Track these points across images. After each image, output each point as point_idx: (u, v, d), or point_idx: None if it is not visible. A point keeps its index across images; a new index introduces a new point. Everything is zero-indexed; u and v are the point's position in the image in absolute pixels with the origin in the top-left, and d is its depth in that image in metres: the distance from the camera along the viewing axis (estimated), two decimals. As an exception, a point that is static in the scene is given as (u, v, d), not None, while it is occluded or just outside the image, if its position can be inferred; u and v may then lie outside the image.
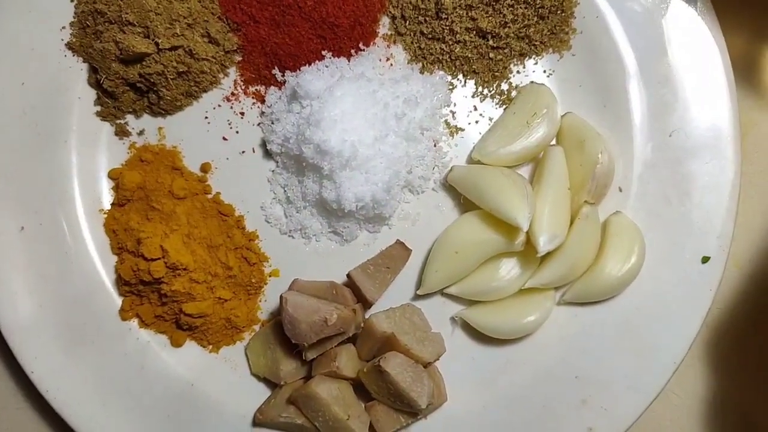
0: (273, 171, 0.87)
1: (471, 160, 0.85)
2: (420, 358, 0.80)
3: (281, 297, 0.79)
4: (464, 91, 0.87)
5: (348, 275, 0.83)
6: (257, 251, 0.86)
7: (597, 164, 0.80)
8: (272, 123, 0.86)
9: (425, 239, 0.86)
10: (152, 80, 0.82)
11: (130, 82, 0.83)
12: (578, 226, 0.80)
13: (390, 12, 0.87)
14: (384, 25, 0.88)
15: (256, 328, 0.87)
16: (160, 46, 0.80)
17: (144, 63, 0.81)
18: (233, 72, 0.88)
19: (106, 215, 0.87)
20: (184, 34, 0.82)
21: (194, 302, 0.82)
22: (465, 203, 0.85)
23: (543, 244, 0.77)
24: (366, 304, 0.83)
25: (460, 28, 0.83)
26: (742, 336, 0.89)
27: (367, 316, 0.83)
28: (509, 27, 0.83)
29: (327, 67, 0.85)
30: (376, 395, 0.80)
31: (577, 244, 0.80)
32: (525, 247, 0.80)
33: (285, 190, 0.86)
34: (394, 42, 0.87)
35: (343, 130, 0.79)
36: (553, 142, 0.85)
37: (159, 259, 0.80)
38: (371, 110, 0.82)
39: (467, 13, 0.83)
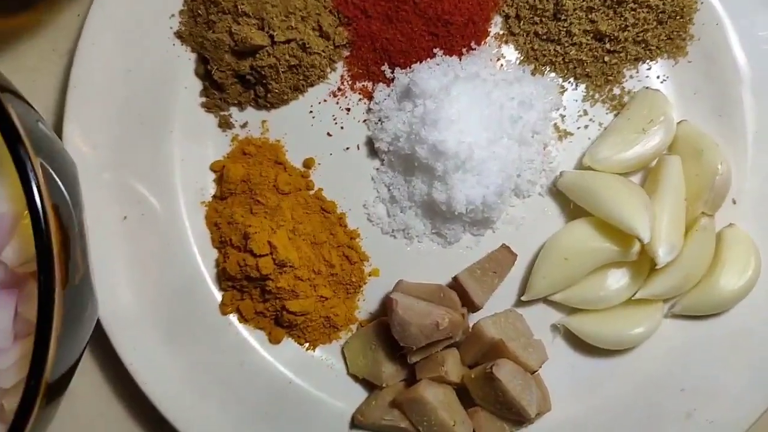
0: (377, 169, 0.86)
1: (581, 166, 0.84)
2: (527, 365, 0.79)
3: (390, 298, 0.77)
4: (575, 94, 0.86)
5: (455, 278, 0.82)
6: (359, 250, 0.85)
7: (717, 175, 0.78)
8: (380, 120, 0.84)
9: (529, 244, 0.84)
10: (263, 73, 0.81)
11: (240, 74, 0.82)
12: (695, 238, 0.79)
13: (503, 11, 0.85)
14: (496, 24, 0.86)
15: (353, 327, 0.86)
16: (275, 39, 0.79)
17: (257, 56, 0.80)
18: (340, 67, 0.86)
19: (207, 208, 0.86)
20: (298, 27, 0.80)
21: (297, 300, 0.81)
22: (575, 210, 0.83)
23: (663, 256, 0.76)
24: (472, 309, 0.82)
25: (578, 30, 0.81)
26: None
27: (471, 321, 0.82)
28: (629, 31, 0.81)
29: (438, 65, 0.83)
30: (480, 401, 0.79)
31: (692, 256, 0.79)
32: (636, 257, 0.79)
33: (390, 189, 0.85)
34: (506, 42, 0.86)
35: (459, 131, 0.78)
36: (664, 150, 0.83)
37: (267, 255, 0.79)
38: (486, 111, 0.80)
39: (587, 15, 0.81)
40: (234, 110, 0.86)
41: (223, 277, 0.83)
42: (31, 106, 0.74)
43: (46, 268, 0.63)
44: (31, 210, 0.62)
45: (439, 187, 0.80)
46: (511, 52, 0.86)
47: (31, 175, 0.62)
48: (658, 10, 0.80)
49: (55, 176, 0.71)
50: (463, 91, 0.79)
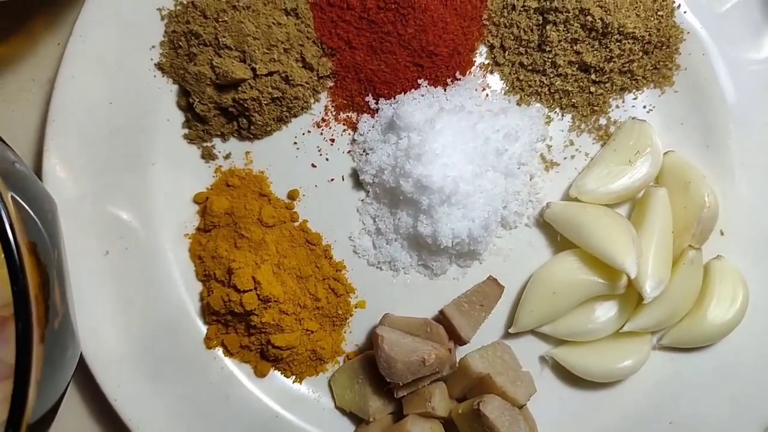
0: (363, 201, 0.85)
1: (568, 197, 0.83)
2: (514, 400, 0.78)
3: (375, 334, 0.77)
4: (561, 124, 0.85)
5: (441, 312, 0.81)
6: (344, 282, 0.84)
7: (704, 208, 0.78)
8: (365, 152, 0.83)
9: (517, 275, 0.84)
10: (246, 105, 0.80)
11: (222, 106, 0.81)
12: (682, 271, 0.78)
13: (488, 41, 0.85)
14: (481, 54, 0.85)
15: (340, 360, 0.85)
16: (258, 72, 0.78)
17: (240, 88, 0.79)
18: (324, 97, 0.85)
19: (191, 240, 0.85)
20: (281, 59, 0.79)
21: (283, 334, 0.80)
22: (562, 241, 0.83)
23: (650, 291, 0.75)
24: (460, 342, 0.81)
25: (564, 61, 0.81)
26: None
27: (458, 354, 0.81)
28: (614, 62, 0.80)
29: (423, 96, 0.83)
30: (468, 436, 0.79)
31: (680, 290, 0.78)
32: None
33: (375, 221, 0.84)
34: (491, 72, 0.85)
35: (444, 165, 0.77)
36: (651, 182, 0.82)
37: (251, 290, 0.78)
38: (471, 144, 0.79)
39: (572, 47, 0.80)
40: (217, 141, 0.85)
41: (207, 311, 0.83)
42: (8, 146, 0.73)
43: (23, 313, 0.62)
44: (5, 249, 0.61)
45: (424, 220, 0.79)
46: (496, 82, 0.85)
47: (3, 213, 0.61)
48: (644, 41, 0.80)
49: (32, 214, 0.70)
50: (448, 124, 0.79)
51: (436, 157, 0.77)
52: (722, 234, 0.82)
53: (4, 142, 0.72)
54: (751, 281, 0.80)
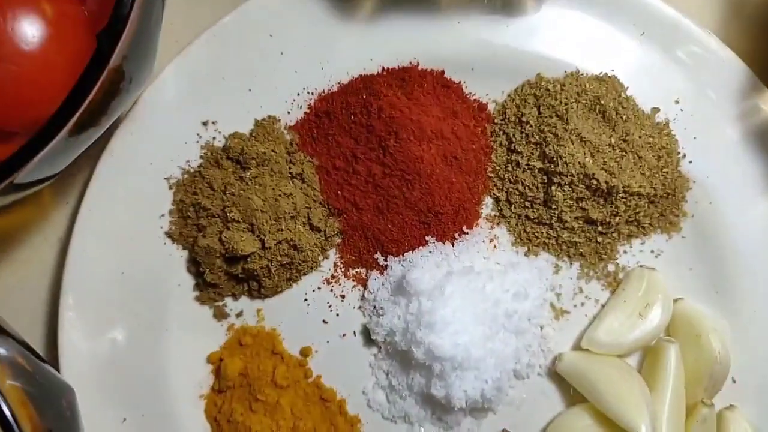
0: (375, 356, 0.85)
1: (579, 347, 0.84)
2: None
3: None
4: (569, 272, 0.85)
5: (457, 471, 0.81)
6: (360, 437, 0.85)
7: (716, 364, 0.78)
8: (375, 309, 0.84)
9: (530, 426, 0.84)
10: (255, 273, 0.81)
11: (232, 274, 0.82)
12: (695, 430, 0.78)
13: (494, 194, 0.85)
14: (487, 206, 0.86)
15: None
16: (266, 245, 0.79)
17: (249, 259, 0.80)
18: (332, 254, 0.86)
19: (206, 401, 0.85)
20: (288, 227, 0.80)
21: (301, 498, 0.81)
22: (575, 394, 0.83)
23: (664, 456, 0.75)
24: (476, 501, 0.82)
25: (570, 217, 0.81)
26: None
27: None
28: (620, 216, 0.81)
29: (431, 252, 0.83)
30: None
31: (694, 448, 0.79)
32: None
33: (388, 376, 0.85)
34: (498, 224, 0.85)
35: (455, 332, 0.78)
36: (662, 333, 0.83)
37: (268, 461, 0.79)
38: (481, 306, 0.80)
39: (578, 204, 0.81)
40: (228, 300, 0.86)
41: (225, 477, 0.83)
42: (18, 341, 0.74)
43: None
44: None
45: (437, 383, 0.79)
46: (503, 233, 0.85)
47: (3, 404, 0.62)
48: (651, 195, 0.80)
49: (46, 403, 0.71)
50: (457, 288, 0.79)
51: (447, 325, 0.77)
52: (734, 381, 0.82)
53: (11, 336, 0.73)
54: (764, 430, 0.80)
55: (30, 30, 0.67)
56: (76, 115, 0.60)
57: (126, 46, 0.61)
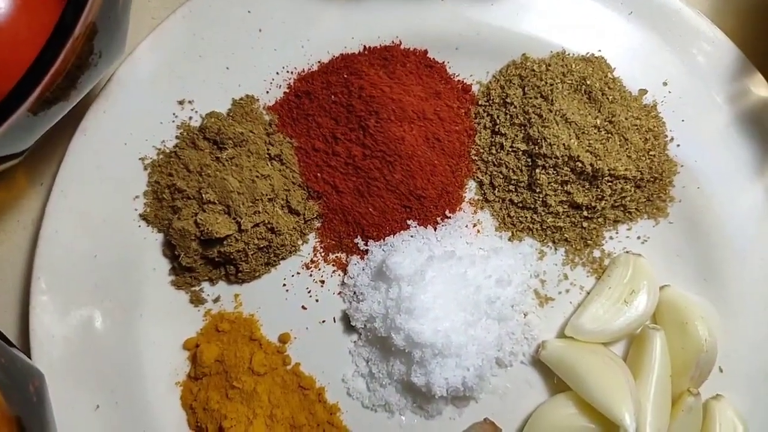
0: (355, 343, 0.84)
1: (563, 335, 0.82)
2: None
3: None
4: (554, 258, 0.83)
5: (438, 459, 0.80)
6: (339, 426, 0.83)
7: (702, 353, 0.76)
8: (355, 295, 0.82)
9: (514, 414, 0.82)
10: (232, 256, 0.79)
11: (208, 257, 0.80)
12: (681, 419, 0.77)
13: (477, 177, 0.83)
14: (470, 190, 0.84)
15: (337, 501, 0.84)
16: (242, 227, 0.77)
17: (225, 242, 0.78)
18: (312, 238, 0.84)
19: (182, 388, 0.83)
20: (266, 209, 0.78)
21: (278, 487, 0.79)
22: (559, 382, 0.81)
23: (648, 445, 0.74)
24: (457, 491, 0.80)
25: (554, 201, 0.79)
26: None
27: (456, 501, 0.80)
28: (606, 200, 0.79)
29: (413, 237, 0.81)
30: None
31: (679, 436, 0.77)
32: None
33: (368, 364, 0.83)
34: (481, 208, 0.83)
35: (436, 318, 0.76)
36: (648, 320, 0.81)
37: (244, 449, 0.77)
38: (462, 292, 0.78)
39: (562, 188, 0.79)
40: (205, 285, 0.84)
41: (201, 466, 0.81)
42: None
43: None
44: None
45: (417, 371, 0.78)
46: (487, 218, 0.83)
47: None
48: (636, 179, 0.78)
49: (15, 392, 0.69)
50: (438, 273, 0.77)
51: (427, 311, 0.75)
52: (721, 371, 0.80)
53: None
54: (751, 420, 0.79)
55: (-5, 2, 0.65)
56: (38, 89, 0.57)
57: (91, 16, 0.59)
